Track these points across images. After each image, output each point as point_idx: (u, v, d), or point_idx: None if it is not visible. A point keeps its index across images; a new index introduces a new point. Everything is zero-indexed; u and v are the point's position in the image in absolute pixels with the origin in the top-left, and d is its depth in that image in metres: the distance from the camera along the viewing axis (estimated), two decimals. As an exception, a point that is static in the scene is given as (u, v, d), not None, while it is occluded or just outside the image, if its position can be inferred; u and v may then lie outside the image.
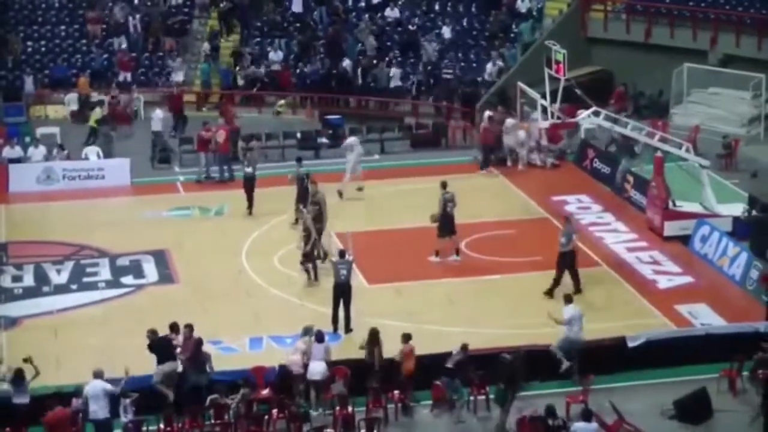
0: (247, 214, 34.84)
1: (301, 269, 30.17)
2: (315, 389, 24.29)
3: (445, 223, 31.31)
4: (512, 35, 46.80)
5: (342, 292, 27.68)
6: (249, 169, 35.01)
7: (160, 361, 24.12)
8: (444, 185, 31.83)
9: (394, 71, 45.46)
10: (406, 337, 24.74)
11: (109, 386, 22.65)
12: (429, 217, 31.65)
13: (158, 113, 41.72)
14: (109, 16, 49.09)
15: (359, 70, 46.01)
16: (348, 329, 27.52)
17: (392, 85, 45.44)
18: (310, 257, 30.01)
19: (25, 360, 23.48)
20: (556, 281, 29.13)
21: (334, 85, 45.88)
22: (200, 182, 38.19)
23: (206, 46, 47.81)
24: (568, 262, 29.27)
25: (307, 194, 32.55)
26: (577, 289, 28.92)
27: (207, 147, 38.32)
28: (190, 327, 24.70)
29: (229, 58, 47.73)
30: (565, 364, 25.09)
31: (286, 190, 36.23)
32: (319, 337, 24.68)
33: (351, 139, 38.27)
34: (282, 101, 44.38)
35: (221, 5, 49.22)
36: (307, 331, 24.96)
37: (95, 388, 22.64)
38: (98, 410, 22.57)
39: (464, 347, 24.50)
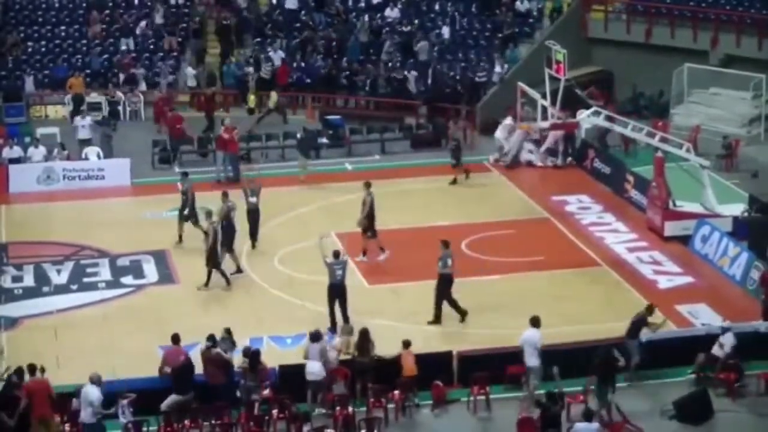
0: (251, 247, 32.40)
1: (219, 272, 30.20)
2: (312, 389, 24.30)
3: (372, 223, 31.32)
4: (515, 36, 46.77)
5: (338, 293, 27.69)
6: (253, 199, 32.39)
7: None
8: (368, 185, 31.76)
9: (409, 75, 45.27)
10: (406, 344, 24.75)
11: (95, 397, 22.39)
12: (357, 222, 31.44)
13: (87, 119, 41.00)
14: (118, 17, 49.17)
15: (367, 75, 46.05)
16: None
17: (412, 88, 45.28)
18: (211, 262, 29.94)
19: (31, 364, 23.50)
20: (438, 307, 28.10)
21: (337, 83, 45.93)
22: (220, 182, 38.04)
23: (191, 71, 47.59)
24: (441, 285, 27.93)
25: (192, 208, 32.43)
26: (436, 319, 27.88)
27: (228, 146, 38.22)
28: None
29: (217, 57, 47.79)
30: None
31: (287, 191, 36.33)
32: (315, 337, 24.57)
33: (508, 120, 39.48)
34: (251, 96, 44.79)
35: (223, 21, 49.15)
36: (349, 331, 25.28)
37: (84, 394, 22.49)
38: (85, 415, 22.45)
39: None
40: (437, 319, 27.91)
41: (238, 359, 24.48)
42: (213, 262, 29.96)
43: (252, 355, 24.20)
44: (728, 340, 25.11)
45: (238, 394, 23.96)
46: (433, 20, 48.45)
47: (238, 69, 46.85)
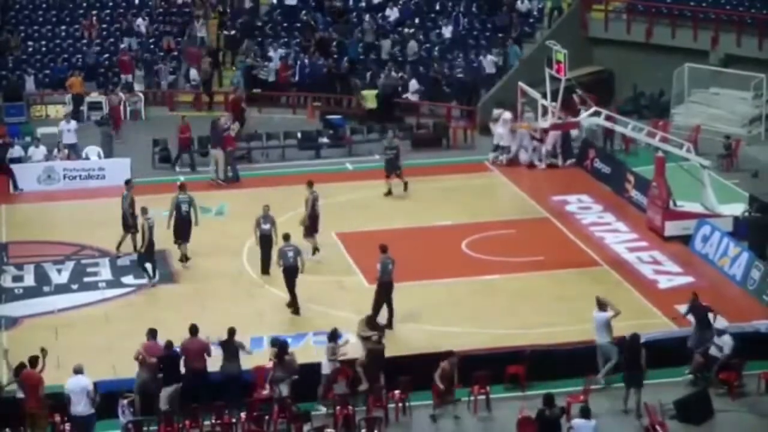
0: (261, 273, 31.03)
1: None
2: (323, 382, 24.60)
3: (314, 223, 31.40)
4: (514, 35, 46.73)
5: (292, 275, 28.35)
6: (266, 227, 30.94)
7: (166, 381, 23.87)
8: (311, 184, 31.96)
9: (412, 84, 45.04)
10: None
11: (89, 384, 22.69)
12: (299, 222, 31.49)
13: (73, 124, 40.78)
14: (121, 18, 49.22)
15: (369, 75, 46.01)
16: (295, 311, 28.52)
17: (410, 96, 44.94)
18: (144, 257, 30.51)
19: (42, 350, 23.53)
20: (376, 311, 27.81)
21: (336, 84, 45.87)
22: (220, 183, 38.06)
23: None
24: (381, 292, 27.75)
25: (129, 219, 32.22)
26: (372, 323, 27.23)
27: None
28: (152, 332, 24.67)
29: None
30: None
31: (287, 191, 36.29)
32: (329, 336, 25.04)
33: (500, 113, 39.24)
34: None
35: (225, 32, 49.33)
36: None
37: (76, 384, 22.73)
38: (79, 407, 22.64)
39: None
40: (375, 324, 27.31)
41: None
42: (146, 257, 30.39)
43: (280, 346, 24.35)
44: (726, 342, 25.10)
45: (268, 386, 24.14)
46: (434, 20, 48.45)
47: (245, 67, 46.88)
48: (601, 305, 25.42)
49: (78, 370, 22.99)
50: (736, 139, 39.82)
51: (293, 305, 28.69)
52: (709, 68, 42.87)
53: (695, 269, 31.14)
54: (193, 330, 24.59)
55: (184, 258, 31.58)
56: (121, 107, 44.33)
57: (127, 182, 33.48)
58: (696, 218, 32.69)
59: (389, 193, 36.89)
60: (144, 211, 30.74)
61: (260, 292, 30.10)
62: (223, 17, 49.80)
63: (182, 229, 31.66)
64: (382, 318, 27.67)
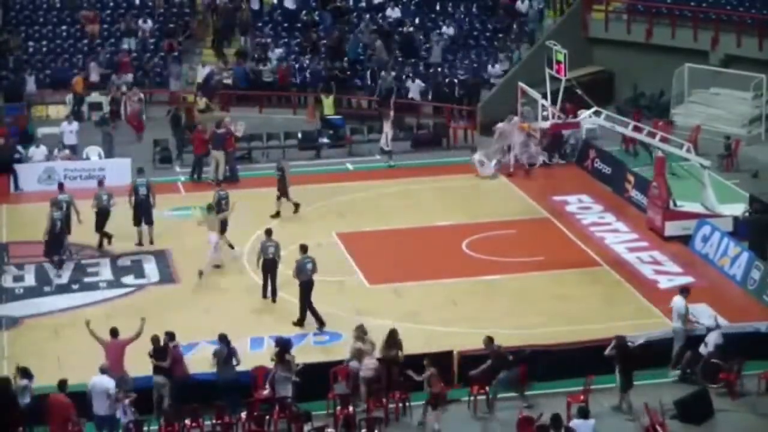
0: (264, 295, 29.84)
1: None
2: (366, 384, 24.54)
3: (224, 222, 31.66)
4: (512, 36, 46.75)
5: (103, 218, 32.27)
6: (271, 249, 29.61)
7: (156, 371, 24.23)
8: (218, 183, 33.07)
9: (412, 84, 44.88)
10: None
11: (112, 386, 22.75)
12: (221, 217, 31.87)
13: (75, 125, 40.71)
14: (122, 18, 49.23)
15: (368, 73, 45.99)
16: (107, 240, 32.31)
17: (410, 96, 44.80)
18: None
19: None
20: (303, 312, 28.04)
21: (336, 84, 45.88)
22: (219, 183, 38.11)
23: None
24: (301, 292, 28.00)
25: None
26: (300, 322, 27.94)
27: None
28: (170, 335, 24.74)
29: (234, 56, 47.76)
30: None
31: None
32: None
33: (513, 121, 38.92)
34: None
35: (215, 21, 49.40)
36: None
37: (99, 384, 22.79)
38: (99, 407, 22.72)
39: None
40: (300, 323, 27.94)
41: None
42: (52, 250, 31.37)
43: (282, 346, 24.31)
44: (712, 339, 25.15)
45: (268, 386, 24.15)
46: (434, 20, 48.45)
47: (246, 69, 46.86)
48: (683, 291, 26.19)
49: (103, 370, 23.06)
50: (736, 139, 39.85)
51: (102, 240, 32.43)
52: (709, 68, 42.89)
53: (695, 269, 31.16)
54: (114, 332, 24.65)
55: (150, 242, 32.78)
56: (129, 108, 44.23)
57: (60, 186, 33.63)
58: (696, 218, 32.72)
59: (277, 215, 34.85)
60: (54, 204, 31.76)
61: (260, 292, 30.03)
62: (215, 14, 49.72)
63: (142, 212, 32.72)
64: (310, 319, 27.84)
